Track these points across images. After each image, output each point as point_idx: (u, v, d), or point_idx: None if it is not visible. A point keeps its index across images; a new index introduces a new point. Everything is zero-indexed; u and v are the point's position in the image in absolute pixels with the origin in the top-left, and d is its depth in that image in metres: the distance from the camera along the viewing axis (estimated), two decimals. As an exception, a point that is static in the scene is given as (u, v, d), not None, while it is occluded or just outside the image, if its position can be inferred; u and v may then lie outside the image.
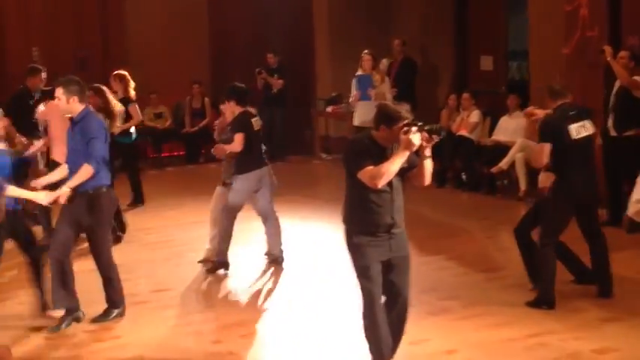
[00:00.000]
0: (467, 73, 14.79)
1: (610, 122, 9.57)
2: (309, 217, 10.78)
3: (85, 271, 7.29)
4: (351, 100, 12.71)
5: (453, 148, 12.16)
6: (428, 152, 5.28)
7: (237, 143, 8.34)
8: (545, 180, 7.21)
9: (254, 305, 7.56)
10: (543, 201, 7.19)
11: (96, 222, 6.86)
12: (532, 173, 11.57)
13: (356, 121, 12.53)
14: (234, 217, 8.49)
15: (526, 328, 6.53)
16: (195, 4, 16.62)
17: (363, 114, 12.24)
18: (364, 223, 5.40)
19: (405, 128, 5.14)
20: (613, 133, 9.55)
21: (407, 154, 5.18)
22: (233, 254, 8.67)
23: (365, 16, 15.56)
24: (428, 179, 5.40)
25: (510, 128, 12.03)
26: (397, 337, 5.62)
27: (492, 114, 12.75)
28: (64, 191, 6.67)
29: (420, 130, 5.15)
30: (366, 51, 12.45)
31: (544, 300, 7.01)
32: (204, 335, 6.73)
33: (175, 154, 16.32)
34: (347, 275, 8.22)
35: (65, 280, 6.86)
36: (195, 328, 6.86)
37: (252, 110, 8.71)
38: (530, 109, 8.13)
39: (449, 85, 14.54)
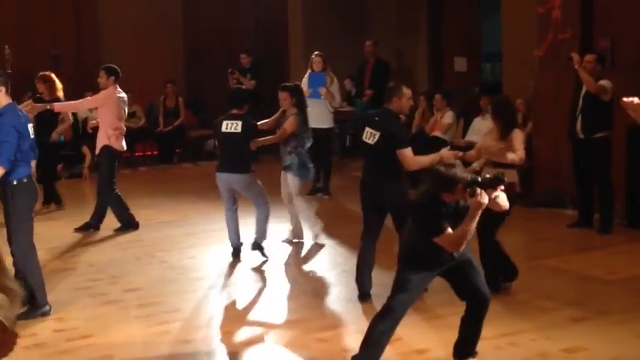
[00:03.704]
0: (441, 74, 14.84)
1: (578, 125, 9.61)
2: (284, 217, 10.76)
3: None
4: None
5: (426, 149, 12.13)
6: (497, 193, 5.32)
7: None
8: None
9: (225, 305, 7.54)
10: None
11: (13, 211, 6.90)
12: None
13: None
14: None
15: (497, 328, 6.53)
16: (170, 3, 16.59)
17: (311, 114, 12.10)
18: (428, 252, 5.44)
19: (469, 191, 5.18)
20: (581, 135, 9.60)
21: (478, 215, 5.23)
22: (201, 253, 8.72)
23: (339, 18, 15.59)
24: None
25: (483, 129, 12.01)
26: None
27: (466, 115, 12.79)
28: None
29: (485, 187, 5.20)
30: (316, 52, 12.35)
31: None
32: (174, 335, 6.68)
33: (149, 153, 16.26)
34: (322, 275, 8.27)
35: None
36: (165, 328, 6.81)
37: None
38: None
39: (423, 87, 14.57)
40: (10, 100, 6.95)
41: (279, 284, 8.03)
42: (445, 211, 5.30)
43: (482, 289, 5.65)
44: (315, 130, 11.96)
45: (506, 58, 12.49)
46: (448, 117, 12.48)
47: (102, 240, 9.76)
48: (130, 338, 6.60)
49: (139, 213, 10.51)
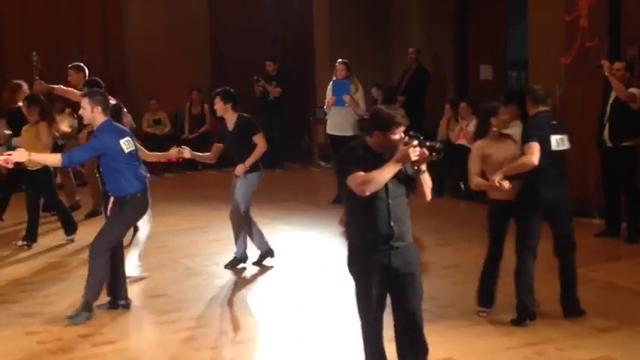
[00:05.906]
0: (466, 82, 14.79)
1: (606, 133, 9.53)
2: (306, 224, 10.77)
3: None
4: (325, 105, 12.38)
5: (451, 157, 12.11)
6: (423, 167, 5.05)
7: (262, 144, 8.61)
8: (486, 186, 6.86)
9: (249, 311, 7.53)
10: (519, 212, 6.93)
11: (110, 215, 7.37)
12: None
13: (329, 129, 12.37)
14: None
15: (524, 337, 6.50)
16: (196, 11, 16.63)
17: (335, 122, 12.14)
18: (362, 234, 5.14)
19: (406, 139, 4.93)
20: (609, 144, 9.52)
21: (400, 165, 4.95)
22: (225, 260, 8.78)
23: (365, 25, 15.57)
24: (428, 195, 5.14)
25: (509, 137, 11.99)
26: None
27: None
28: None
29: (421, 145, 4.91)
30: (339, 60, 12.34)
31: (525, 314, 6.88)
32: (199, 341, 6.69)
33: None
34: (343, 281, 8.24)
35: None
36: (190, 334, 6.82)
37: None
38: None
39: (449, 95, 14.53)
40: (106, 118, 7.16)
41: (304, 290, 8.02)
42: (364, 159, 5.00)
43: (412, 316, 5.25)
44: (339, 137, 11.99)
45: (532, 66, 12.41)
46: (474, 125, 12.39)
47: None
48: (154, 344, 6.63)
49: (164, 219, 10.53)
